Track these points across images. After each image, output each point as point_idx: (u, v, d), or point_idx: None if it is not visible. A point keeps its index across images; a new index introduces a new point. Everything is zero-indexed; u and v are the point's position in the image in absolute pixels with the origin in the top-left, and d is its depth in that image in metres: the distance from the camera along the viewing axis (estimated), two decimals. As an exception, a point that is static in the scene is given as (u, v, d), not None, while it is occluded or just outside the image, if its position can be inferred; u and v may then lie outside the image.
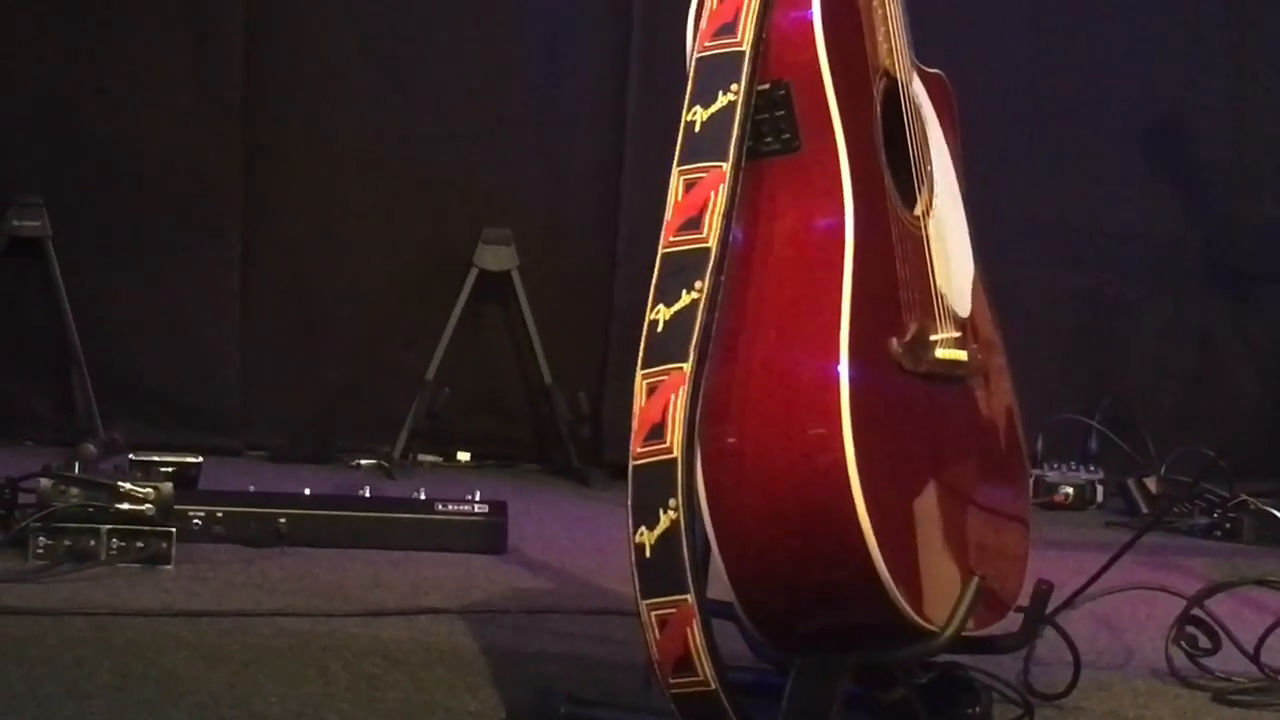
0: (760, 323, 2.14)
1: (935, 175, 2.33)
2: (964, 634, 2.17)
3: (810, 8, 2.18)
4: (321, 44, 5.01)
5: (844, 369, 2.08)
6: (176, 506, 3.19)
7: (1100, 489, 4.88)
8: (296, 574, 3.19)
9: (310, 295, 5.04)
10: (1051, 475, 4.85)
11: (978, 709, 2.37)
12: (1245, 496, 4.50)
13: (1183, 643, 2.75)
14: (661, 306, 2.12)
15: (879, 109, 2.25)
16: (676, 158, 2.17)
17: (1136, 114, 5.31)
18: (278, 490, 3.70)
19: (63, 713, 2.24)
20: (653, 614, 2.08)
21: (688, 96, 2.18)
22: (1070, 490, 4.85)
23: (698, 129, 2.16)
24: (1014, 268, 4.66)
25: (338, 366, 5.03)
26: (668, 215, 2.15)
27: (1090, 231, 5.31)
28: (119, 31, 4.86)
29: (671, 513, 2.06)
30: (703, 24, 2.20)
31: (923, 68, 2.38)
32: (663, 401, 2.09)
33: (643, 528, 2.07)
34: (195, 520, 3.38)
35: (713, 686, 2.07)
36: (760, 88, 2.17)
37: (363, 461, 4.83)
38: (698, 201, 2.14)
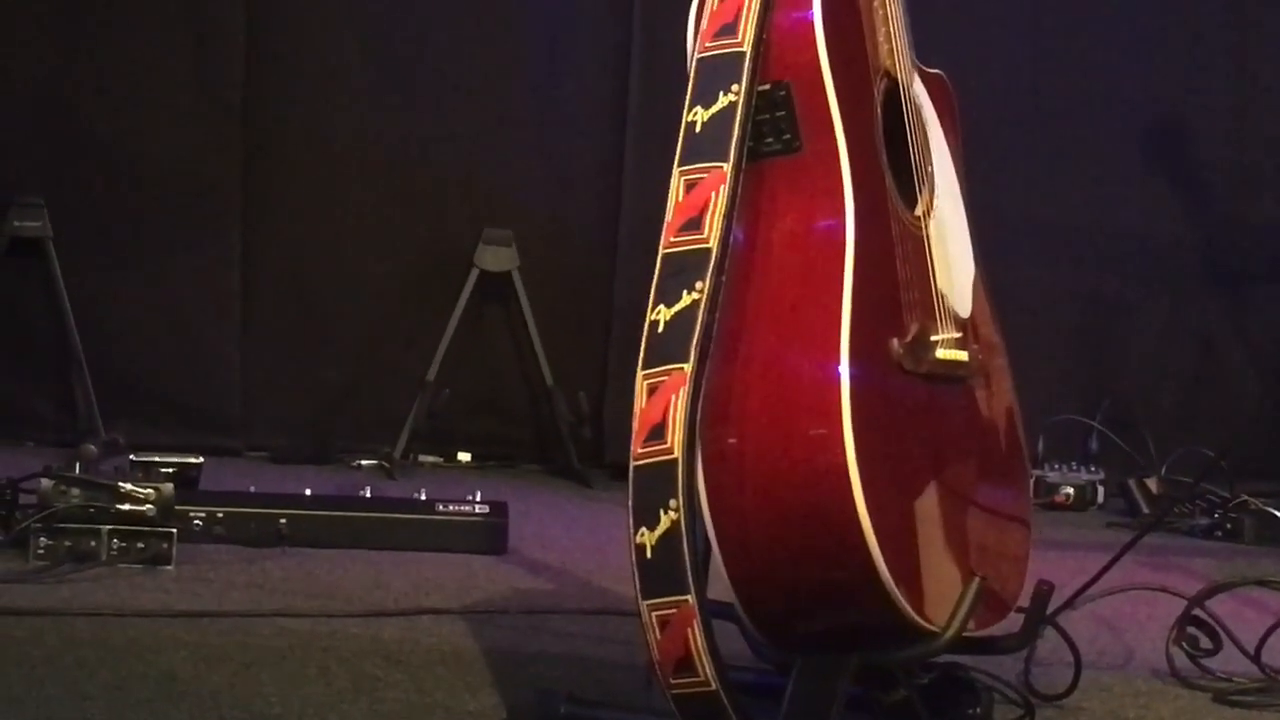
0: (761, 323, 2.14)
1: (936, 176, 2.33)
2: (965, 634, 2.17)
3: (811, 8, 2.18)
4: (322, 44, 5.01)
5: (845, 369, 2.08)
6: (177, 507, 3.19)
7: (1101, 489, 4.89)
8: (297, 574, 3.19)
9: (311, 295, 5.04)
10: (1052, 476, 4.85)
11: (979, 709, 2.37)
12: (1246, 497, 4.50)
13: (1183, 643, 2.75)
14: (662, 307, 2.12)
15: (880, 109, 2.25)
16: (677, 158, 2.17)
17: (1137, 114, 5.32)
18: (278, 491, 3.71)
19: (63, 713, 2.24)
20: (653, 614, 2.08)
21: (688, 97, 2.18)
22: (1071, 491, 4.86)
23: (698, 129, 2.16)
24: (1015, 268, 4.66)
25: (338, 367, 5.03)
26: (668, 216, 2.15)
27: (1091, 232, 5.31)
28: (119, 32, 4.86)
29: (672, 513, 2.06)
30: (703, 24, 2.20)
31: (923, 68, 2.38)
32: (663, 402, 2.09)
33: (643, 528, 2.07)
34: (196, 521, 3.38)
35: (713, 687, 2.07)
36: (761, 88, 2.17)
37: (363, 462, 4.83)
38: (698, 202, 2.14)
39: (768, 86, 2.17)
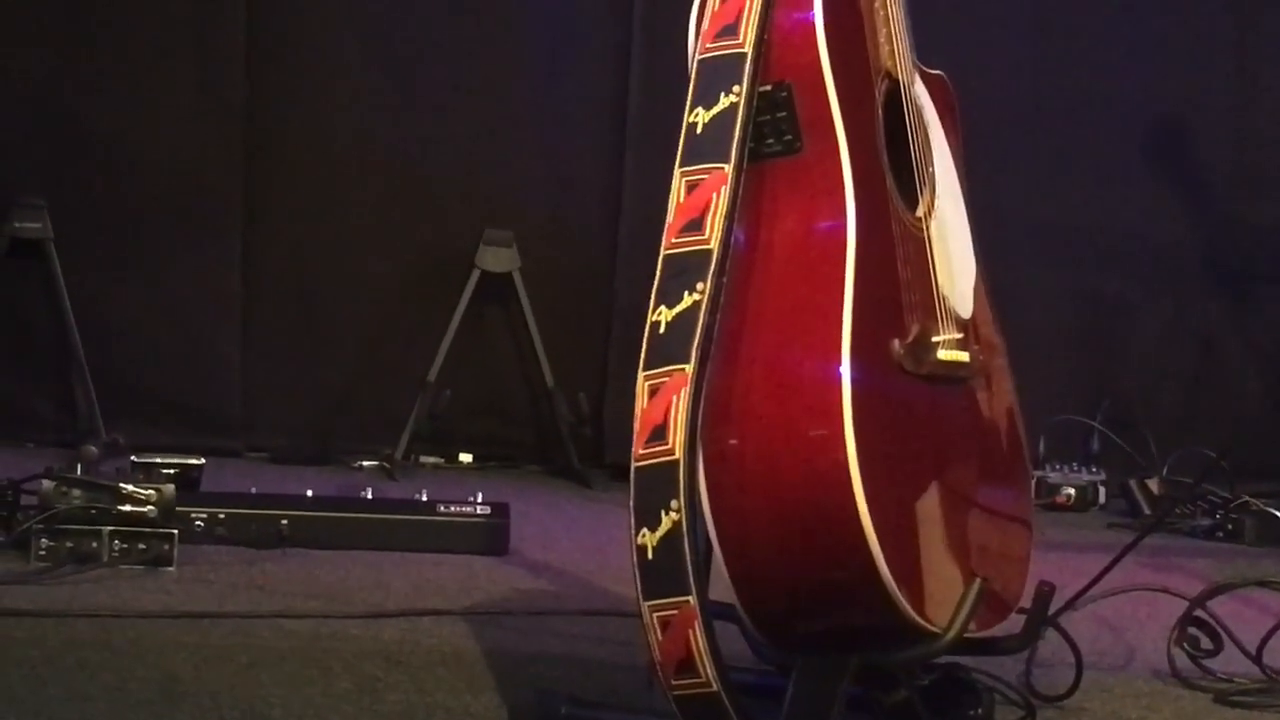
0: (762, 324, 2.14)
1: (937, 176, 2.33)
2: (966, 635, 2.17)
3: (812, 9, 2.18)
4: (323, 45, 5.01)
5: (846, 370, 2.08)
6: (178, 508, 3.18)
7: (1102, 490, 4.89)
8: (298, 575, 3.19)
9: (312, 296, 5.04)
10: (1053, 476, 4.85)
11: (980, 710, 2.37)
12: (1247, 497, 4.50)
13: (1184, 644, 2.75)
14: (663, 308, 2.12)
15: (881, 110, 2.25)
16: (678, 159, 2.17)
17: (1138, 115, 5.32)
18: (279, 492, 3.70)
19: (64, 714, 2.24)
20: (654, 615, 2.08)
21: (689, 98, 2.18)
22: (1072, 491, 4.86)
23: (699, 130, 2.16)
24: (1016, 269, 4.67)
25: (339, 368, 5.04)
26: (669, 217, 2.15)
27: (1091, 232, 5.32)
28: (120, 32, 4.85)
29: (673, 514, 2.06)
30: (704, 25, 2.20)
31: (924, 69, 2.38)
32: (665, 403, 2.09)
33: (645, 529, 2.08)
34: (197, 522, 3.38)
35: (715, 688, 2.07)
36: (762, 89, 2.17)
37: (364, 463, 4.83)
38: (699, 203, 2.14)
39: (769, 87, 2.18)
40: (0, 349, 4.80)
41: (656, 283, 2.14)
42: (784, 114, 2.17)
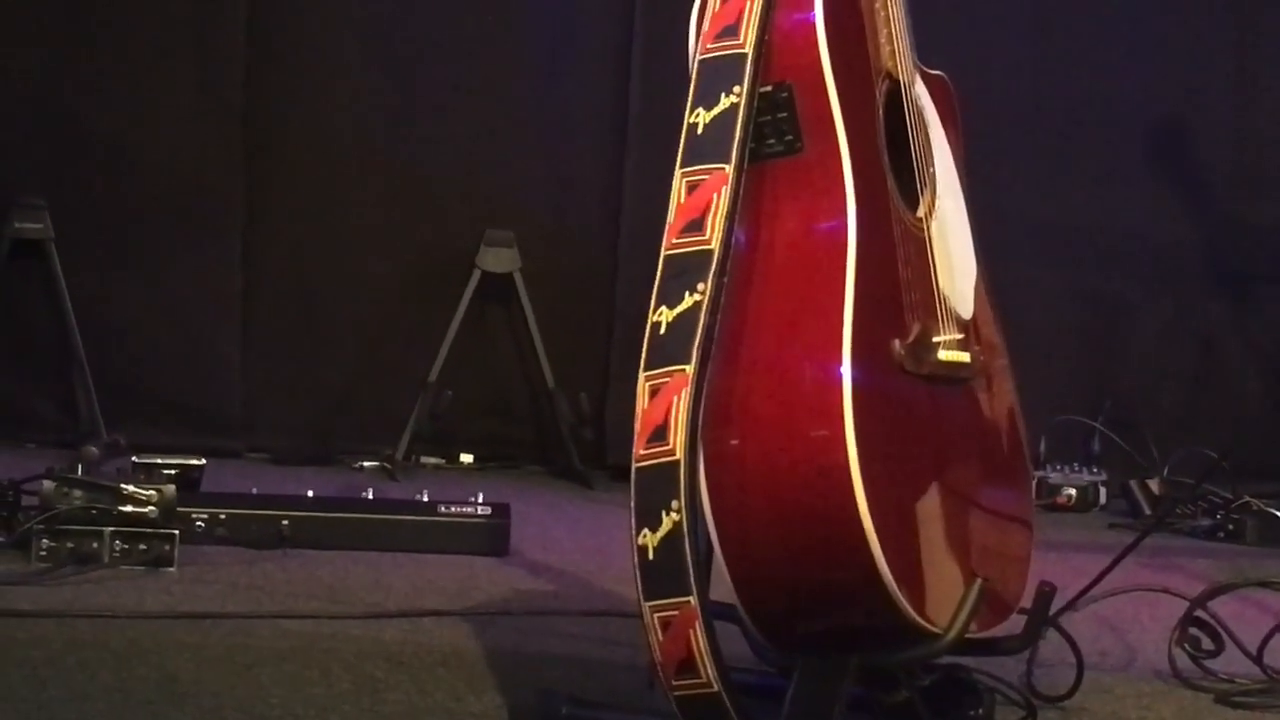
0: (763, 324, 2.14)
1: (938, 176, 2.33)
2: (967, 636, 2.17)
3: (813, 10, 2.18)
4: (323, 45, 5.01)
5: (846, 371, 2.08)
6: (179, 509, 3.18)
7: (1103, 490, 4.88)
8: (299, 576, 3.19)
9: (312, 296, 5.04)
10: (1054, 477, 4.85)
11: (981, 711, 2.37)
12: (1248, 498, 4.50)
13: (1185, 644, 2.75)
14: (664, 308, 2.12)
15: (882, 111, 2.25)
16: (679, 159, 2.17)
17: (1138, 115, 5.31)
18: (280, 492, 3.71)
19: (65, 714, 2.24)
20: (655, 616, 2.08)
21: (690, 98, 2.19)
22: (1073, 492, 4.86)
23: (700, 131, 2.16)
24: (1016, 269, 4.66)
25: (340, 368, 5.03)
26: (670, 217, 2.15)
27: (1092, 232, 5.31)
28: (120, 33, 4.85)
29: (674, 515, 2.06)
30: (705, 26, 2.20)
31: (925, 69, 2.38)
32: (665, 403, 2.09)
33: (645, 530, 2.08)
34: (198, 522, 3.38)
35: (715, 688, 2.07)
36: (763, 90, 2.17)
37: (365, 463, 4.83)
38: (700, 203, 2.14)
39: (769, 88, 2.18)
40: (1, 349, 4.80)
41: (657, 283, 2.14)
42: (785, 114, 2.17)
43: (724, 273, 2.12)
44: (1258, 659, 2.74)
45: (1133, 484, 4.80)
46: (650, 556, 2.07)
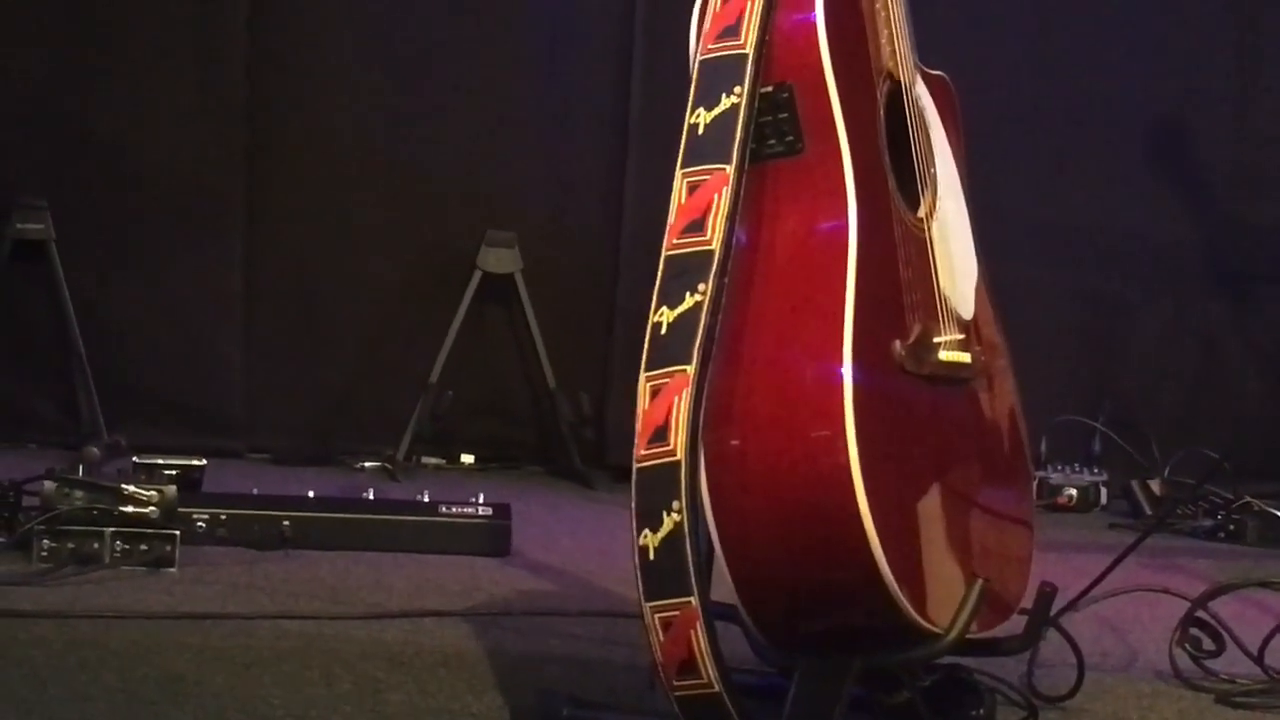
0: (763, 325, 2.14)
1: (939, 177, 2.33)
2: (968, 636, 2.17)
3: (814, 10, 2.18)
4: (324, 45, 5.01)
5: (847, 371, 2.08)
6: (180, 509, 3.18)
7: (1104, 491, 4.88)
8: (300, 576, 3.19)
9: (313, 297, 5.04)
10: (1055, 477, 4.85)
11: (982, 711, 2.37)
12: (1249, 498, 4.50)
13: (1186, 645, 2.75)
14: (665, 309, 2.12)
15: (882, 111, 2.25)
16: (680, 160, 2.17)
17: (1138, 115, 5.31)
18: (281, 493, 3.71)
19: (66, 714, 2.24)
20: (656, 616, 2.08)
21: (691, 99, 2.19)
22: (1074, 492, 4.85)
23: (701, 131, 2.17)
24: (1017, 269, 4.65)
25: (341, 368, 5.03)
26: (671, 218, 2.15)
27: (1092, 232, 5.31)
28: (121, 33, 4.85)
29: (675, 515, 2.06)
30: (706, 26, 2.21)
31: (926, 70, 2.38)
32: (666, 404, 2.09)
33: (646, 530, 2.08)
34: (199, 523, 3.38)
35: (716, 689, 2.07)
36: (763, 90, 2.17)
37: (366, 464, 4.83)
38: (701, 204, 2.14)
39: (770, 88, 2.18)
40: (2, 350, 4.80)
41: (658, 283, 2.14)
42: (785, 115, 2.18)
43: (725, 273, 2.12)
44: (1259, 659, 2.74)
45: (1134, 484, 4.80)
46: (651, 557, 2.07)
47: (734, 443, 2.11)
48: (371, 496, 3.71)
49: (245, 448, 4.87)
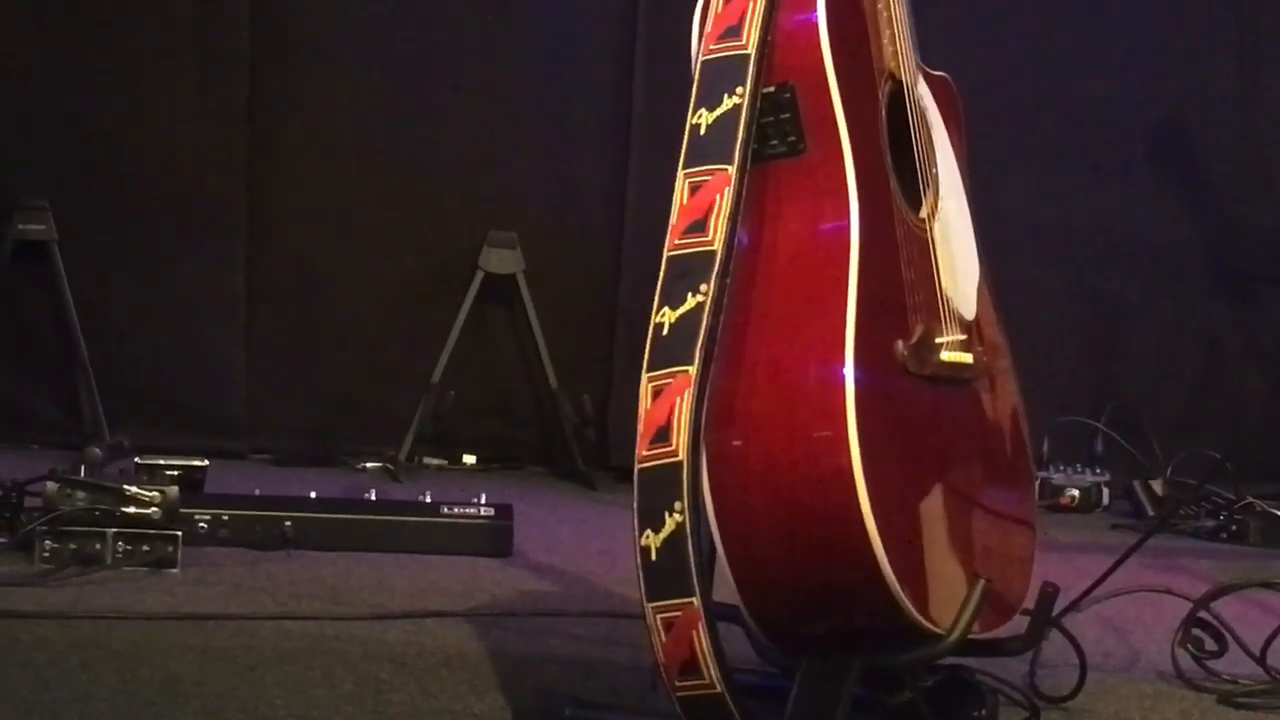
0: (765, 325, 2.14)
1: (941, 177, 2.33)
2: (970, 637, 2.17)
3: (815, 10, 2.18)
4: (325, 45, 5.01)
5: (849, 372, 2.08)
6: (182, 510, 3.18)
7: (1106, 491, 4.88)
8: (302, 577, 3.19)
9: (315, 298, 5.04)
10: (1057, 477, 4.85)
11: (984, 711, 2.37)
12: (1251, 499, 4.50)
13: (1189, 645, 2.75)
14: (667, 309, 2.12)
15: (884, 112, 2.25)
16: (682, 160, 2.17)
17: (1139, 115, 5.31)
18: (283, 493, 3.71)
19: (68, 715, 2.25)
20: (658, 617, 2.08)
21: (693, 99, 2.19)
22: (1076, 493, 4.85)
23: (703, 132, 2.17)
24: (1019, 269, 4.66)
25: (343, 369, 5.04)
26: (673, 218, 2.15)
27: (1093, 233, 5.31)
28: (123, 34, 4.86)
29: (677, 516, 2.06)
30: (708, 26, 2.20)
31: (928, 70, 2.38)
32: (668, 404, 2.09)
33: (648, 531, 2.08)
34: (201, 523, 3.38)
35: (718, 689, 2.07)
36: (765, 90, 2.17)
37: (368, 464, 4.83)
38: (703, 204, 2.14)
39: (772, 89, 2.18)
40: (4, 351, 4.81)
41: (660, 284, 2.14)
42: (787, 115, 2.18)
43: (727, 274, 2.12)
44: (1261, 660, 2.74)
45: (1136, 485, 4.80)
46: (653, 557, 2.07)
47: (736, 443, 2.11)
48: (373, 497, 3.71)
49: (247, 448, 4.87)
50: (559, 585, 3.32)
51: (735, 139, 2.14)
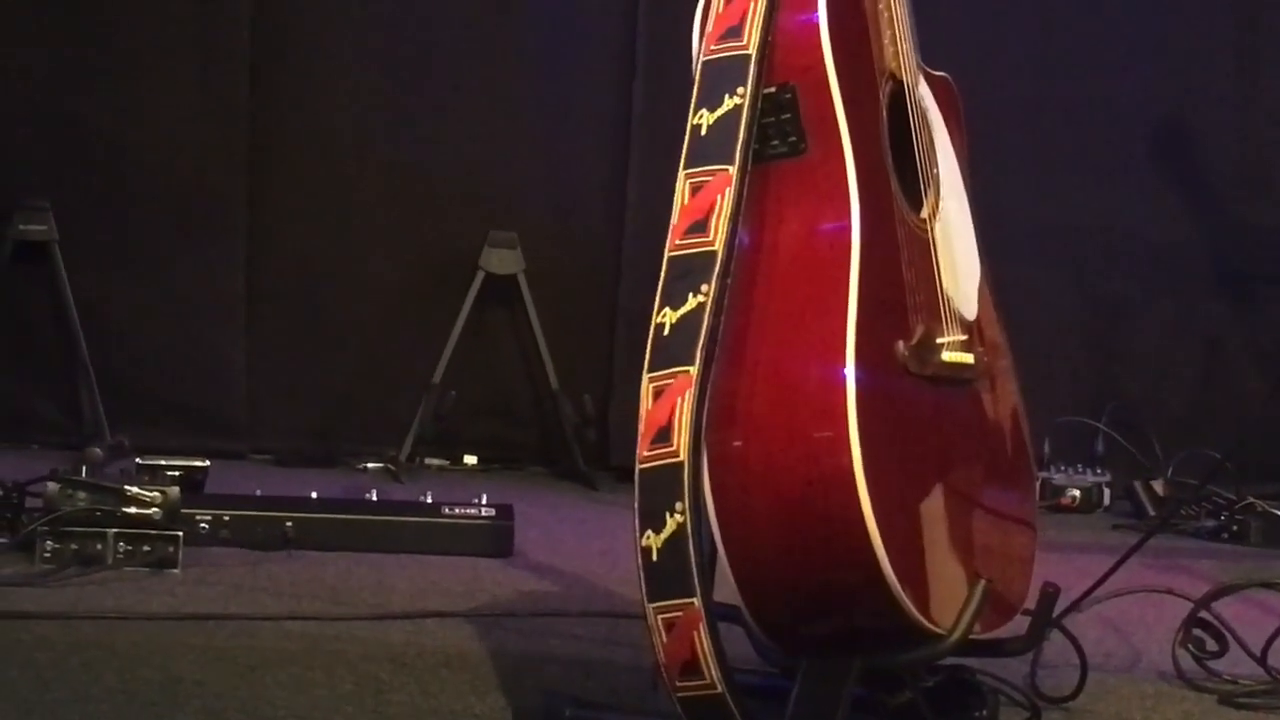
0: (766, 326, 2.14)
1: (941, 178, 2.33)
2: (971, 637, 2.17)
3: (816, 11, 2.18)
4: (326, 45, 5.01)
5: (850, 372, 2.08)
6: (183, 510, 3.18)
7: (1107, 491, 4.88)
8: (303, 577, 3.19)
9: (316, 298, 5.04)
10: (1058, 478, 4.85)
11: (985, 712, 2.37)
12: (1252, 499, 4.50)
13: (1190, 645, 2.75)
14: (668, 310, 2.12)
15: (885, 112, 2.25)
16: (683, 161, 2.17)
17: (1139, 115, 5.31)
18: (284, 494, 3.71)
19: (69, 715, 2.25)
20: (659, 617, 2.08)
21: (694, 100, 2.19)
22: (1077, 493, 4.85)
23: (704, 132, 2.17)
24: (1020, 270, 4.66)
25: (343, 369, 5.04)
26: (674, 218, 2.15)
27: (1093, 233, 5.31)
28: (124, 35, 4.86)
29: (678, 516, 2.06)
30: (709, 27, 2.20)
31: (929, 70, 2.38)
32: (669, 405, 2.09)
33: (649, 531, 2.08)
34: (202, 524, 3.38)
35: (719, 690, 2.07)
36: (766, 91, 2.17)
37: (369, 465, 4.83)
38: (704, 205, 2.14)
39: (773, 89, 2.18)
40: (5, 351, 4.81)
41: (661, 284, 2.14)
42: (788, 116, 2.18)
43: (728, 274, 2.12)
44: (1262, 660, 2.73)
45: (1137, 485, 4.80)
46: (654, 558, 2.07)
47: (737, 443, 2.11)
48: (374, 497, 3.71)
49: (248, 449, 4.87)
50: (560, 585, 3.32)
51: (736, 139, 2.14)
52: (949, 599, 2.16)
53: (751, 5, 2.17)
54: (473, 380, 4.94)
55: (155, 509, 3.12)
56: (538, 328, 4.94)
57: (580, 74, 5.12)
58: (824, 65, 2.17)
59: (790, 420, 2.10)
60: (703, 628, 2.06)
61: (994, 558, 2.32)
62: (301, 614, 2.85)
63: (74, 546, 3.07)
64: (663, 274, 2.14)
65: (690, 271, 2.12)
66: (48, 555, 3.06)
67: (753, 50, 2.16)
